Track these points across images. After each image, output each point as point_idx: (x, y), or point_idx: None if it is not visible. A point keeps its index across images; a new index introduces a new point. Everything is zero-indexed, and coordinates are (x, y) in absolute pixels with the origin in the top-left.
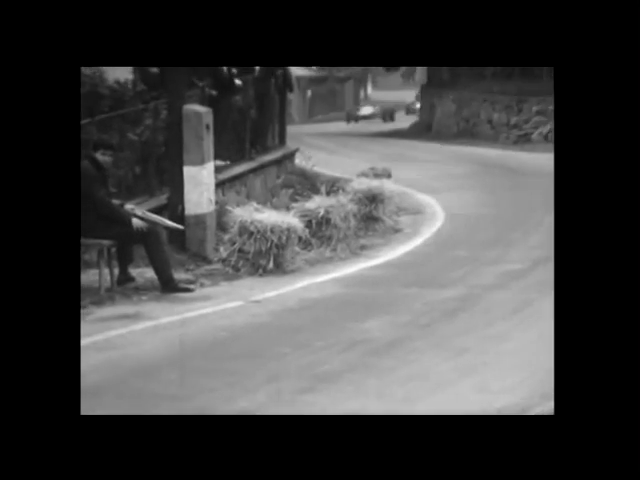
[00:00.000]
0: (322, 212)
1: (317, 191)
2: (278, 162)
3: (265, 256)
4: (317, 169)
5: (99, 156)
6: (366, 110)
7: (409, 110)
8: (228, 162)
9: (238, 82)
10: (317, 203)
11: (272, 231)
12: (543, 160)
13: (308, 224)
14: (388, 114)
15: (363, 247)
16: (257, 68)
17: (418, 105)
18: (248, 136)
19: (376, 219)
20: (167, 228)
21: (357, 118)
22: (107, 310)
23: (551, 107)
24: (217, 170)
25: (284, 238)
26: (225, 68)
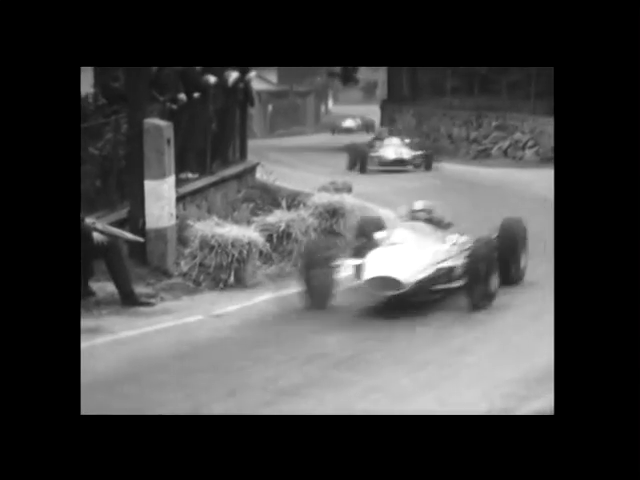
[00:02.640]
0: (283, 226)
1: (278, 205)
2: (239, 176)
3: (226, 270)
4: (278, 183)
5: None
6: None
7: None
8: (197, 175)
9: (213, 79)
10: (278, 217)
11: (233, 245)
12: (500, 175)
13: (269, 238)
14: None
15: None
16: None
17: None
18: (209, 150)
19: (337, 233)
20: (128, 242)
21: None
22: None
23: (510, 122)
24: (178, 184)
25: (245, 252)
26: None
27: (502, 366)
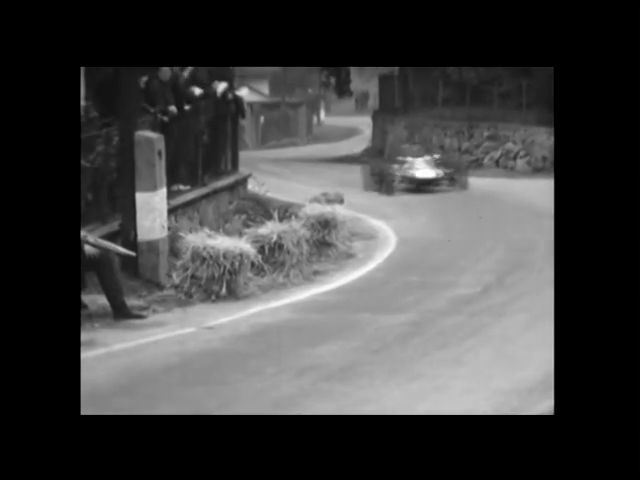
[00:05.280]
0: (275, 238)
1: (270, 217)
2: (231, 188)
3: (218, 282)
4: (270, 195)
5: None
6: None
7: None
8: (188, 186)
9: (198, 91)
10: (270, 229)
11: (225, 257)
12: (491, 184)
13: (261, 250)
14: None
15: (316, 273)
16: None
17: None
18: (200, 162)
19: (329, 244)
20: (119, 254)
21: None
22: None
23: (501, 132)
24: (170, 196)
25: (237, 264)
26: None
27: (494, 376)
